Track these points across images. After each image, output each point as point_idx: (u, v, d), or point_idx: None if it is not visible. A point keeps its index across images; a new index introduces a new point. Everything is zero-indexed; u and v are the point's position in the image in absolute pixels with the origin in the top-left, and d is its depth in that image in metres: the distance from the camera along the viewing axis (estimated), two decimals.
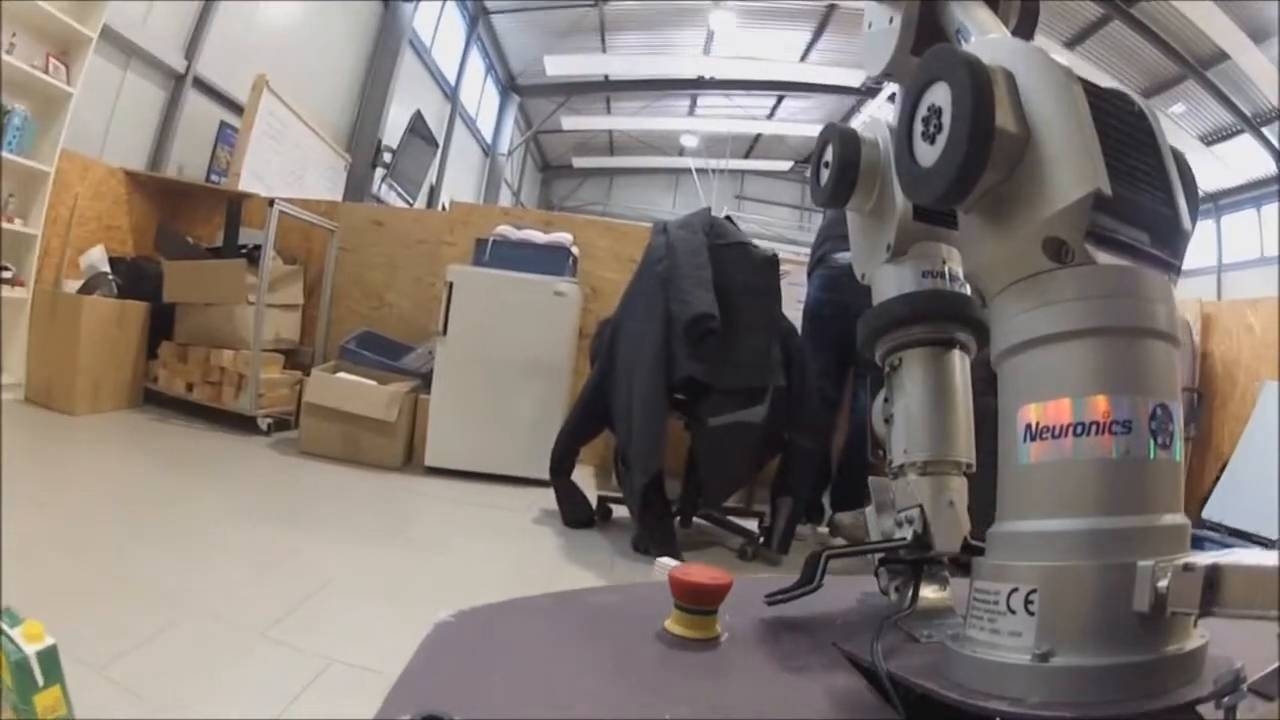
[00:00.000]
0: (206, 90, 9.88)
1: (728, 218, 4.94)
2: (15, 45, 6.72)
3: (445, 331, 6.11)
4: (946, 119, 0.87)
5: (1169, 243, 0.86)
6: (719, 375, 4.21)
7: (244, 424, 6.90)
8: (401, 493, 5.59)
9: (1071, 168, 0.81)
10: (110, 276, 7.43)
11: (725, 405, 4.22)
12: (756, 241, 4.80)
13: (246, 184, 8.67)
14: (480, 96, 20.64)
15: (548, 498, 5.12)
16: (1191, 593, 0.68)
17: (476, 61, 19.74)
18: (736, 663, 0.95)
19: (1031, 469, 0.82)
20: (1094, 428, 0.78)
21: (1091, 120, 0.83)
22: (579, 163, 26.29)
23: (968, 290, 1.17)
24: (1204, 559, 0.69)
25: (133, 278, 7.63)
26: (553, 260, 6.54)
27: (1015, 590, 0.79)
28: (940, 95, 0.88)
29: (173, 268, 7.43)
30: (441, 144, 17.34)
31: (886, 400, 1.20)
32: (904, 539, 1.09)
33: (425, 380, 6.53)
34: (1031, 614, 0.77)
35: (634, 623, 1.03)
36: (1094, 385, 0.79)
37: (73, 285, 7.31)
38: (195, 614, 2.90)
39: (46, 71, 7.00)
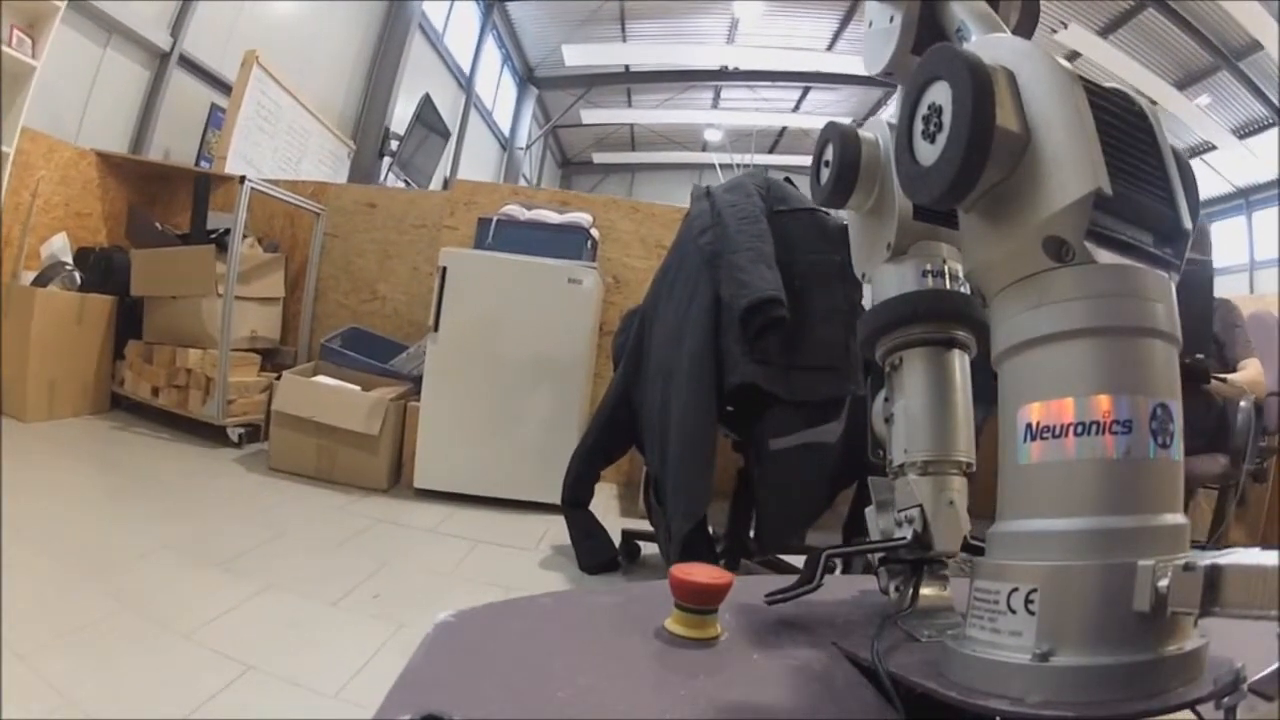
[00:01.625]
0: (196, 71, 9.48)
1: (787, 179, 3.93)
2: None
3: (437, 327, 5.22)
4: (947, 118, 0.87)
5: (1169, 242, 0.87)
6: (785, 382, 3.29)
7: (215, 434, 6.20)
8: (381, 523, 4.71)
9: (1072, 167, 0.82)
10: (69, 267, 6.86)
11: (792, 421, 3.37)
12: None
13: (234, 168, 7.90)
14: (497, 87, 20.23)
15: (561, 528, 4.26)
16: (1192, 592, 0.68)
17: (492, 50, 19.52)
18: (736, 663, 0.95)
19: (1032, 469, 0.83)
20: (1094, 427, 0.78)
21: (1092, 119, 0.83)
22: (600, 158, 25.82)
23: (968, 290, 1.17)
24: (1204, 559, 0.70)
25: (102, 269, 7.00)
26: (568, 243, 5.63)
27: (1015, 590, 0.80)
28: (940, 94, 0.89)
29: (140, 256, 6.76)
30: (456, 135, 16.99)
31: (886, 400, 1.21)
32: (904, 539, 1.10)
33: (419, 385, 5.55)
34: (1032, 614, 0.78)
35: (634, 623, 1.03)
36: (1094, 385, 0.80)
37: (30, 278, 6.69)
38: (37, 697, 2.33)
39: (10, 44, 6.46)
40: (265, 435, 6.17)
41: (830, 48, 17.61)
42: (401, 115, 14.23)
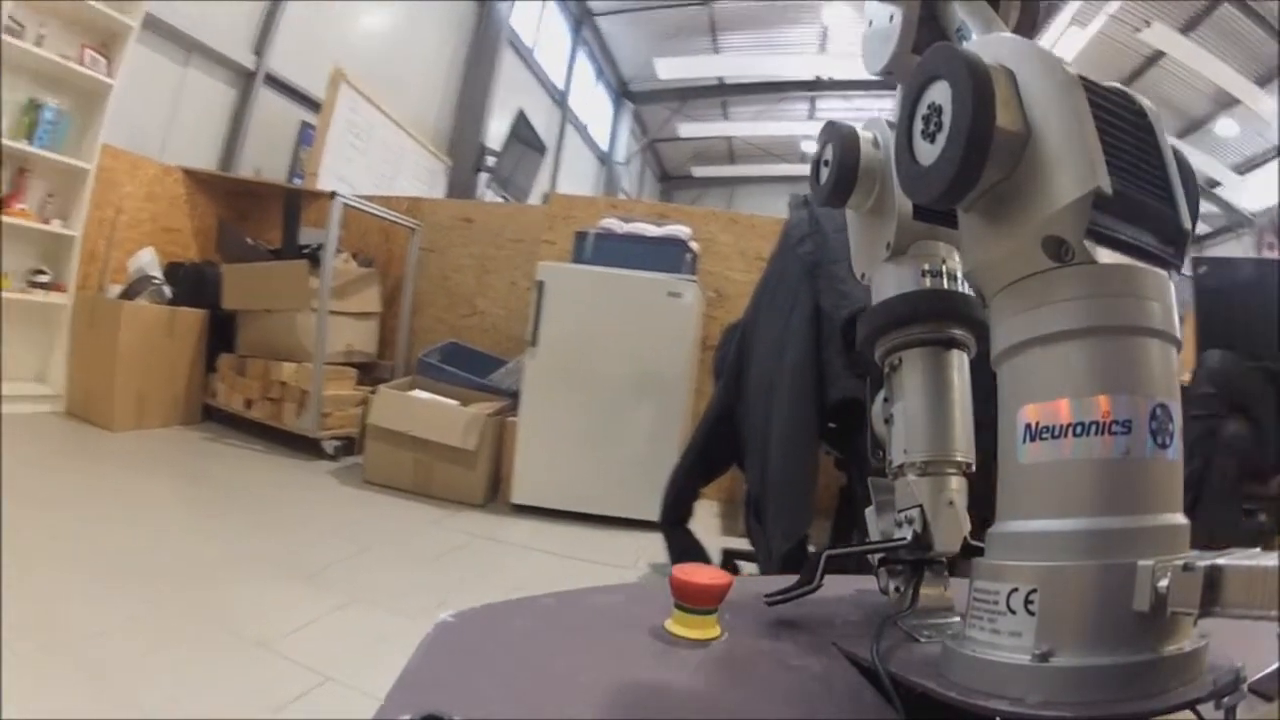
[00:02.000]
0: (283, 89, 9.63)
1: None
2: (45, 37, 6.46)
3: (535, 341, 5.21)
4: (947, 117, 0.87)
5: (1170, 241, 0.86)
6: None
7: (308, 446, 6.25)
8: (476, 539, 4.68)
9: (1072, 166, 0.82)
10: (158, 281, 6.95)
11: None
12: None
13: (326, 185, 7.79)
14: (592, 102, 20.26)
15: (660, 546, 4.10)
16: (1191, 592, 0.68)
17: (585, 65, 19.64)
18: (736, 663, 0.96)
19: (1031, 469, 0.83)
20: (1094, 427, 0.78)
21: (1092, 118, 0.83)
22: (699, 172, 25.62)
23: (968, 290, 1.17)
24: (1204, 559, 0.70)
25: (193, 283, 7.11)
26: (667, 256, 5.55)
27: (1015, 590, 0.80)
28: (940, 93, 0.89)
29: (232, 271, 6.84)
30: (555, 150, 17.07)
31: (886, 400, 1.21)
32: (904, 539, 1.10)
33: (517, 400, 5.48)
34: (1031, 614, 0.78)
35: (634, 623, 1.04)
36: (1094, 385, 0.80)
37: (118, 291, 6.84)
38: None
39: (82, 63, 6.66)
40: (360, 449, 6.16)
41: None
42: (497, 131, 14.28)
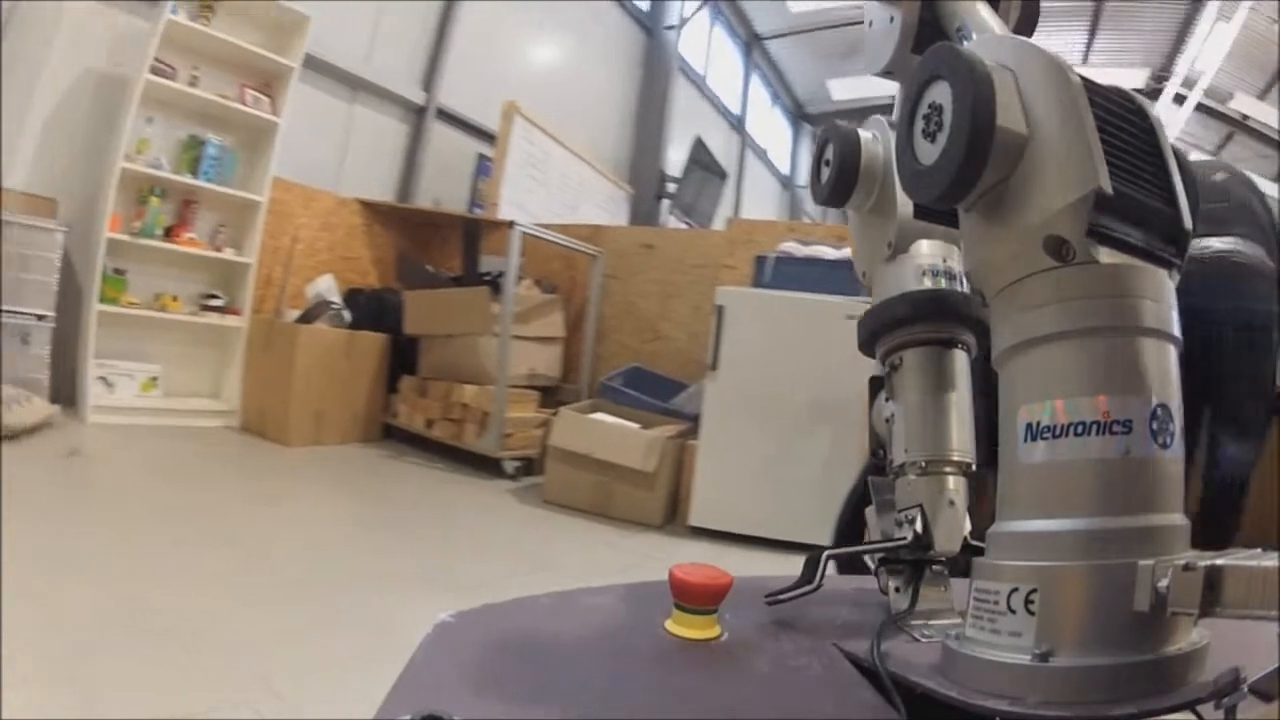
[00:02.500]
0: (457, 123, 9.97)
1: None
2: (199, 78, 6.89)
3: (715, 366, 5.21)
4: (947, 117, 0.87)
5: (1171, 241, 0.86)
6: None
7: (488, 466, 6.37)
8: (650, 559, 4.65)
9: (1072, 166, 0.82)
10: (337, 306, 7.25)
11: None
12: None
13: (506, 214, 7.94)
14: (770, 126, 20.35)
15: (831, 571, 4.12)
16: (1192, 593, 0.68)
17: (760, 90, 19.66)
18: (736, 663, 0.95)
19: (1031, 469, 0.82)
20: (1095, 427, 0.78)
21: (1093, 118, 0.83)
22: None
23: (968, 289, 1.17)
24: (1204, 559, 0.69)
25: (373, 309, 7.42)
26: (847, 278, 5.07)
27: (1015, 590, 0.79)
28: (941, 93, 0.89)
29: (412, 298, 7.10)
30: (736, 176, 17.13)
31: (887, 400, 1.20)
32: (904, 539, 1.10)
33: (698, 423, 5.46)
34: (1031, 614, 0.77)
35: (634, 623, 1.04)
36: (1095, 384, 0.80)
37: (295, 315, 7.17)
38: None
39: (244, 103, 7.12)
40: (540, 469, 6.20)
41: (1085, 60, 16.89)
42: (676, 158, 14.37)
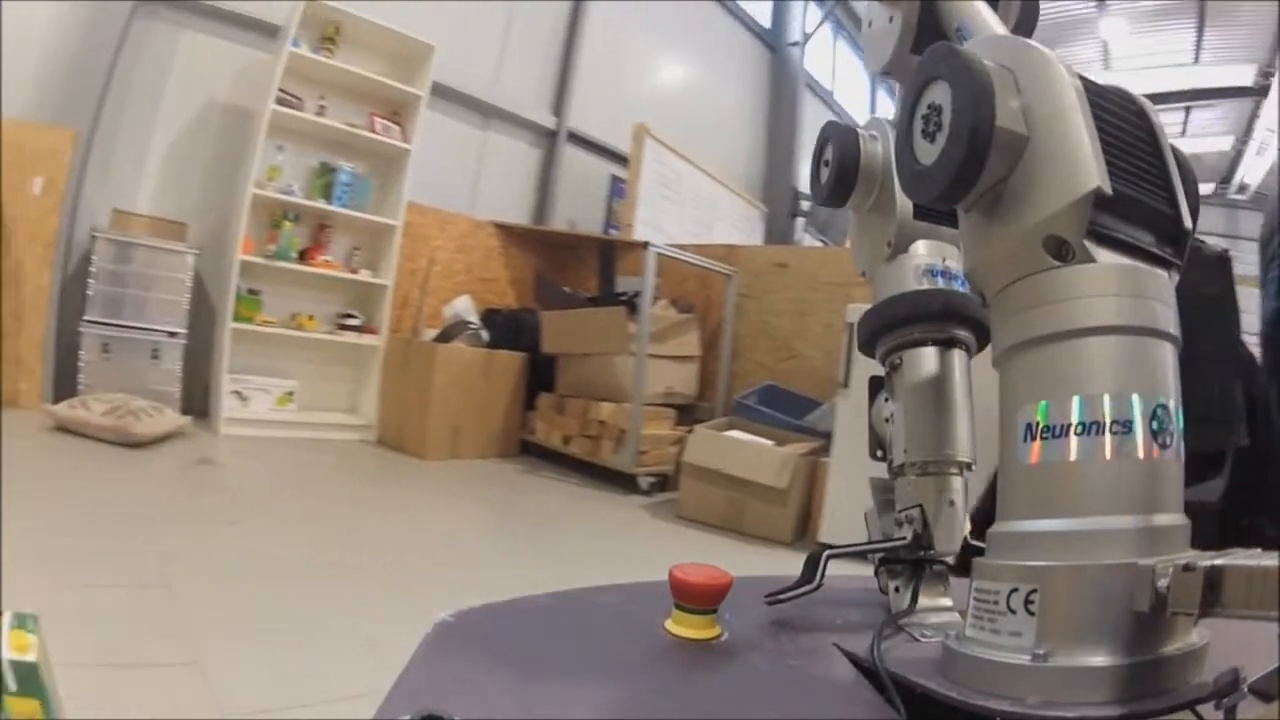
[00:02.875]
0: (589, 146, 10.15)
1: None
2: (326, 108, 7.17)
3: (846, 383, 5.25)
4: (946, 117, 0.87)
5: (1171, 241, 0.87)
6: None
7: (622, 481, 6.46)
8: (778, 575, 4.62)
9: (1071, 166, 0.82)
10: (474, 326, 7.43)
11: None
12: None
13: (641, 235, 8.10)
14: None
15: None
16: (1192, 593, 0.68)
17: (887, 103, 19.54)
18: (736, 663, 0.95)
19: (1032, 469, 0.82)
20: (1094, 427, 0.78)
21: (1092, 118, 0.83)
22: None
23: (968, 289, 1.15)
24: (1204, 559, 0.69)
25: (511, 328, 7.55)
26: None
27: (1015, 590, 0.79)
28: (940, 93, 0.89)
29: (550, 317, 7.20)
30: None
31: (887, 400, 1.20)
32: (904, 539, 1.10)
33: (830, 440, 5.48)
34: (1031, 614, 0.77)
35: (634, 623, 1.04)
36: (1095, 384, 0.80)
37: (433, 334, 7.39)
38: None
39: (374, 131, 7.38)
40: (675, 485, 6.26)
41: (1196, 60, 16.49)
42: (809, 176, 14.35)
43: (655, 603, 1.05)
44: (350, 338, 7.40)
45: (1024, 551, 0.81)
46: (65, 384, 6.09)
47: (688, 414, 7.27)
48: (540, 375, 7.35)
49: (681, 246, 7.57)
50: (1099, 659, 0.72)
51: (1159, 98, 16.89)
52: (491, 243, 8.57)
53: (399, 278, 7.57)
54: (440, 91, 7.99)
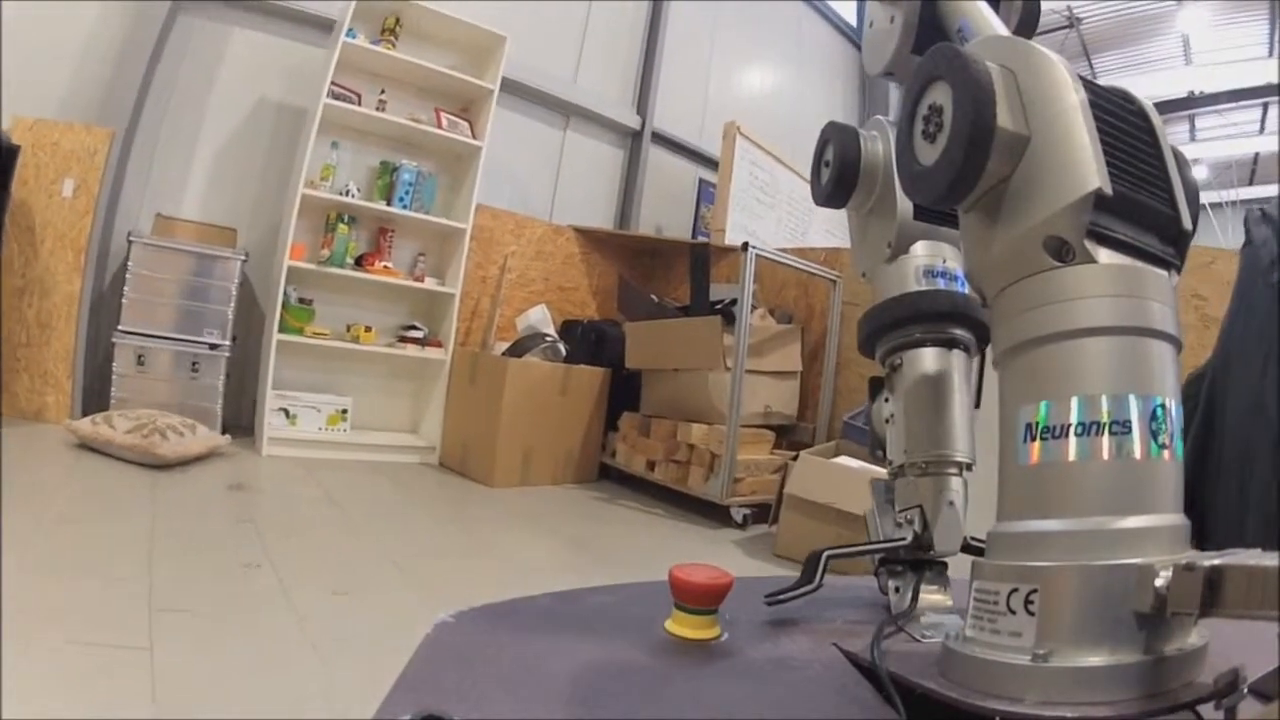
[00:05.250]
0: (675, 147, 9.87)
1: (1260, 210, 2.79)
2: (386, 103, 6.76)
3: (977, 404, 4.93)
4: (947, 118, 0.88)
5: (1171, 242, 0.87)
6: None
7: (714, 513, 5.73)
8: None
9: (1072, 167, 0.82)
10: (551, 338, 6.85)
11: None
12: None
13: (734, 239, 7.44)
14: None
15: None
16: (1192, 593, 0.68)
17: None
18: (736, 663, 0.96)
19: (1031, 469, 0.83)
20: (1094, 428, 0.79)
21: (1093, 119, 0.84)
22: None
23: (968, 290, 1.17)
24: (1204, 559, 0.70)
25: (591, 342, 7.04)
26: None
27: (1015, 590, 0.80)
28: (941, 94, 0.90)
29: (635, 329, 6.58)
30: None
31: (887, 400, 1.21)
32: (904, 539, 1.11)
33: None
34: (1031, 614, 0.78)
35: (634, 623, 1.04)
36: (1094, 385, 0.80)
37: (504, 348, 6.74)
38: None
39: (440, 127, 6.91)
40: (773, 518, 5.70)
41: (1270, 52, 15.94)
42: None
43: (655, 603, 1.06)
44: (412, 351, 6.85)
45: (1024, 552, 0.81)
46: (97, 397, 5.86)
47: (785, 436, 6.72)
48: (623, 393, 6.82)
49: (780, 251, 7.06)
50: (1099, 659, 0.73)
51: (1238, 94, 16.51)
52: (571, 249, 8.09)
53: (467, 286, 7.15)
54: (514, 89, 7.74)
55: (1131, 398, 0.78)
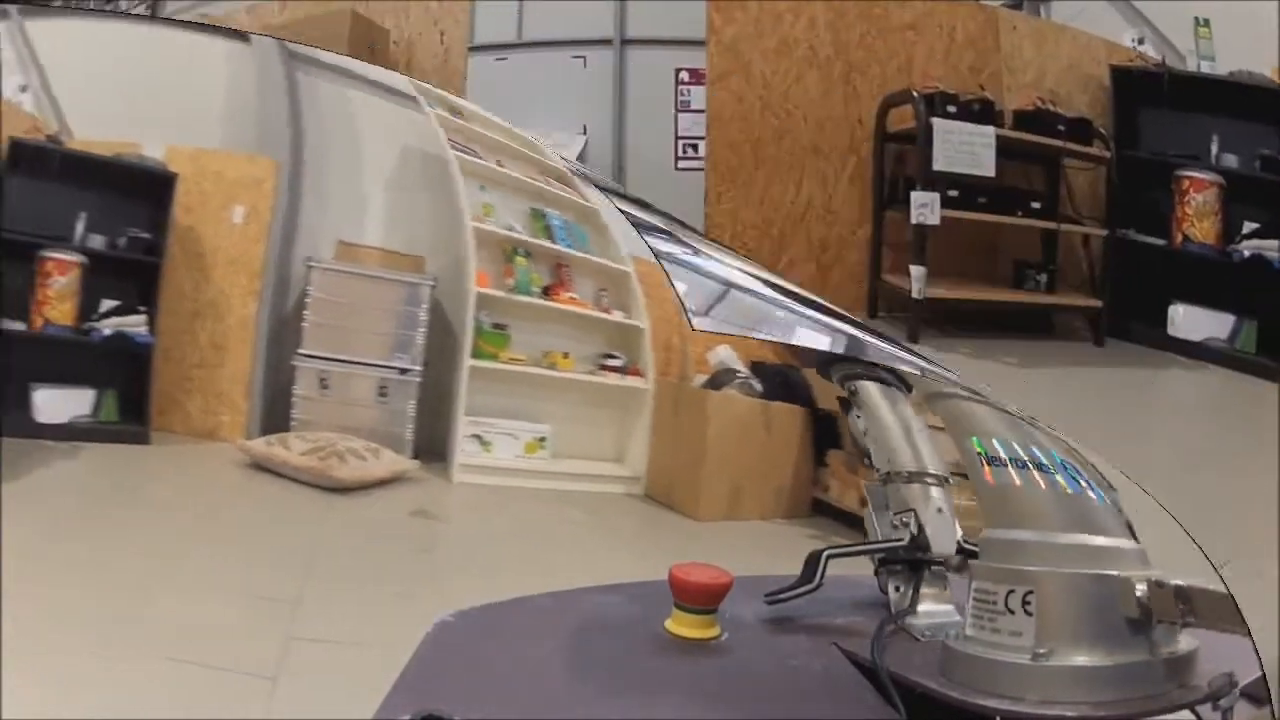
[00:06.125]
0: None
1: None
2: (502, 161, 6.88)
3: None
4: None
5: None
6: None
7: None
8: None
9: None
10: (744, 375, 6.97)
11: None
12: None
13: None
14: None
15: None
16: (1168, 605, 0.72)
17: None
18: (736, 663, 0.96)
19: (995, 488, 0.88)
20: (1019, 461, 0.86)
21: None
22: None
23: None
24: (1171, 578, 0.74)
25: (781, 383, 7.24)
26: None
27: (1013, 591, 0.80)
28: None
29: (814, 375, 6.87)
30: None
31: (859, 417, 1.23)
32: (902, 540, 1.11)
33: None
34: (1030, 614, 0.78)
35: (634, 623, 1.03)
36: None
37: (702, 380, 7.03)
38: None
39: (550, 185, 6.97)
40: None
41: None
42: None
43: (655, 603, 1.04)
44: (613, 379, 7.12)
45: (1014, 556, 0.82)
46: (278, 420, 5.96)
47: None
48: (822, 432, 7.08)
49: None
50: (1098, 659, 0.73)
51: None
52: None
53: (654, 322, 7.30)
54: None
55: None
